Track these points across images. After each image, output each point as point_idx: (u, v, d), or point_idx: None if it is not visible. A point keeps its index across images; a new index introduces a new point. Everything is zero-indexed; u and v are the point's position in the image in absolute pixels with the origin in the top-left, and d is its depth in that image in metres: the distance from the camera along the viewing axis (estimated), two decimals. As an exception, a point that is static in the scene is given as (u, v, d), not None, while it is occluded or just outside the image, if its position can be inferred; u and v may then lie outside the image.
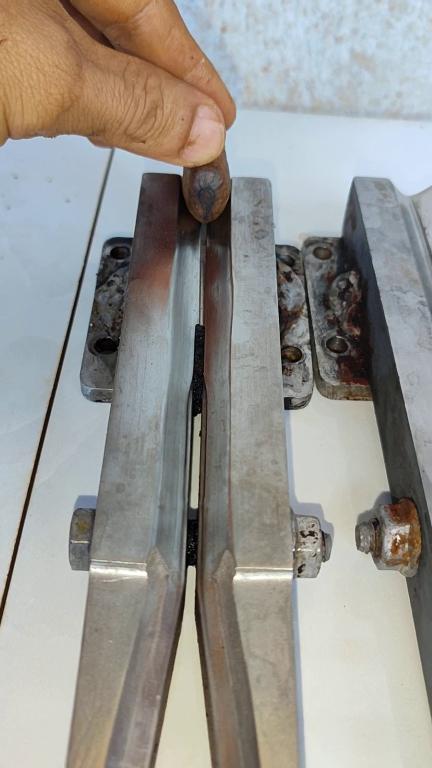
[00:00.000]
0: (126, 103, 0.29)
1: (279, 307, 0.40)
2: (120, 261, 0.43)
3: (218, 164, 0.37)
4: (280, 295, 0.41)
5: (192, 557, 0.30)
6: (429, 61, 0.59)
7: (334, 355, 0.40)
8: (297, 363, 0.39)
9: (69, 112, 0.27)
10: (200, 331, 0.36)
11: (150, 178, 0.42)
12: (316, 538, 0.29)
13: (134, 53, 0.32)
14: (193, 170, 0.38)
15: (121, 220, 0.46)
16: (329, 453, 0.37)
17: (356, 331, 0.40)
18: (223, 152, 0.37)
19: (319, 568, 0.29)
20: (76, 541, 0.28)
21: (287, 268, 0.42)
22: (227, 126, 0.36)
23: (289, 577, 0.26)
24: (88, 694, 0.24)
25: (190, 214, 0.40)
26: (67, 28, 0.27)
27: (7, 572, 0.32)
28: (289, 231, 0.48)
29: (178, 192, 0.40)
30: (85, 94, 0.27)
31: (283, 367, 0.38)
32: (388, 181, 0.43)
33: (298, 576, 0.29)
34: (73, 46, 0.26)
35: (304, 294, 0.42)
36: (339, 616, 0.31)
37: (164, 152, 0.33)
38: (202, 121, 0.33)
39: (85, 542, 0.28)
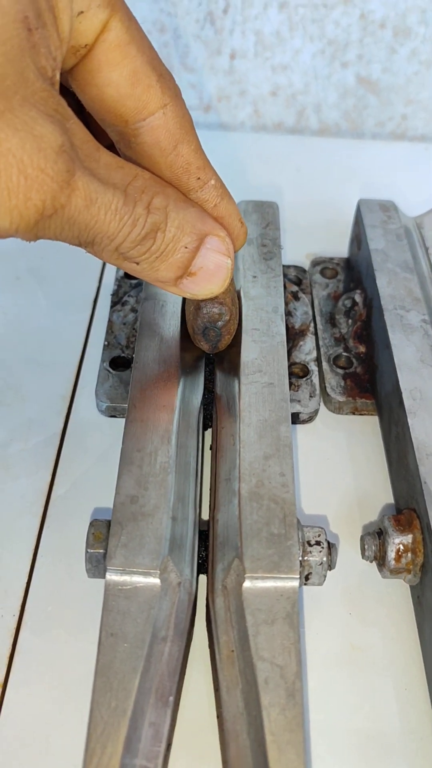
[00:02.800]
0: (122, 219, 0.26)
1: (287, 325, 0.41)
2: (134, 282, 0.45)
3: (223, 299, 0.33)
4: (288, 313, 0.42)
5: (203, 566, 0.31)
6: (433, 85, 0.60)
7: (341, 371, 0.41)
8: (304, 379, 0.40)
9: (51, 220, 0.24)
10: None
11: None
12: (322, 548, 0.30)
13: (134, 163, 0.28)
14: (198, 302, 0.34)
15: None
16: (336, 466, 0.38)
17: (362, 348, 0.41)
18: (232, 282, 0.34)
19: (325, 576, 0.30)
20: (92, 550, 0.29)
21: (295, 288, 0.44)
22: (235, 250, 0.32)
23: (295, 584, 0.28)
24: (104, 695, 0.25)
25: None
26: (67, 129, 0.24)
27: (26, 581, 0.33)
28: (297, 251, 0.49)
29: None
30: (73, 203, 0.24)
31: (291, 383, 0.40)
32: (392, 203, 0.45)
33: (305, 584, 0.30)
34: (68, 150, 0.23)
35: (311, 312, 0.43)
36: (345, 623, 0.32)
37: (159, 278, 0.29)
38: (208, 253, 0.29)
39: (101, 551, 0.29)
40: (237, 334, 0.36)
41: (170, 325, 0.36)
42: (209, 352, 0.36)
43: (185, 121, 0.28)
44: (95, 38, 0.25)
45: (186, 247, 0.28)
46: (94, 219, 0.25)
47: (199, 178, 0.29)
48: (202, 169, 0.29)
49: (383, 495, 0.37)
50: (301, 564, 0.30)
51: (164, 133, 0.28)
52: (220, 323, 0.34)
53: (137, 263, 0.28)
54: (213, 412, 0.35)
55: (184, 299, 0.37)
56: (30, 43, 0.23)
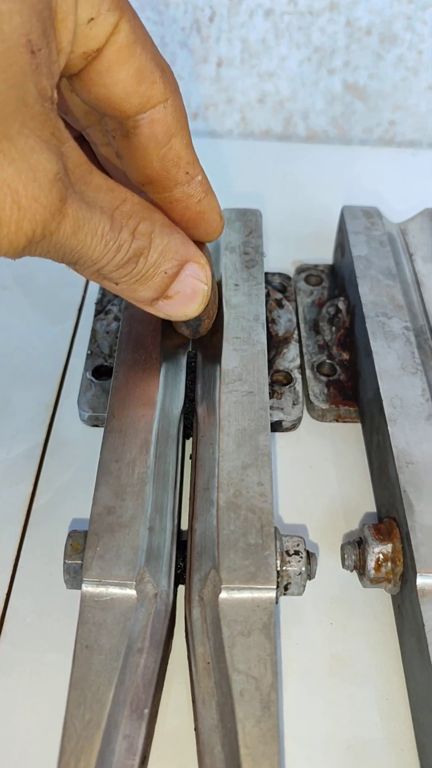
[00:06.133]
0: (107, 245, 0.26)
1: (270, 332, 0.41)
2: (118, 290, 0.45)
3: None
4: (272, 321, 0.42)
5: (182, 576, 0.31)
6: (419, 91, 0.60)
7: (324, 378, 0.41)
8: (288, 387, 0.40)
9: (39, 244, 0.24)
10: (192, 357, 0.37)
11: None
12: (301, 557, 0.30)
13: (125, 153, 0.29)
14: None
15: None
16: (319, 474, 0.38)
17: (345, 356, 0.41)
18: (211, 267, 0.33)
19: (304, 586, 0.30)
20: (69, 561, 0.29)
21: (279, 295, 0.44)
22: (210, 240, 0.33)
23: (272, 594, 0.28)
24: (78, 707, 0.25)
25: None
26: (62, 154, 0.24)
27: (6, 591, 0.33)
28: (282, 258, 0.49)
29: None
30: (62, 230, 0.24)
31: (274, 391, 0.40)
32: (376, 209, 0.45)
33: (284, 594, 0.30)
34: (62, 177, 0.23)
35: (295, 320, 0.43)
36: (326, 633, 0.32)
37: (136, 298, 0.30)
38: (186, 278, 0.30)
39: (78, 562, 0.29)
40: (218, 319, 0.36)
41: (151, 319, 0.36)
42: (191, 338, 0.36)
43: (182, 115, 0.29)
44: (106, 41, 0.26)
45: (166, 272, 0.29)
46: (80, 244, 0.25)
47: (187, 173, 0.30)
48: (191, 164, 0.30)
49: (366, 503, 0.36)
50: (279, 574, 0.29)
51: (161, 127, 0.28)
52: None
53: (116, 283, 0.29)
54: (193, 420, 0.35)
55: None
56: (33, 66, 0.22)
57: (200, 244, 0.32)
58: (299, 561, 0.30)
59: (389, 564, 0.31)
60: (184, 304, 0.31)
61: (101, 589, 0.27)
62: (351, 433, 0.40)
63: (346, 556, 0.32)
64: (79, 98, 0.29)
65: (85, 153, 0.31)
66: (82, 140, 0.32)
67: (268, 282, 0.45)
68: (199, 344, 0.38)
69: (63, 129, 0.24)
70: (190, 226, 0.31)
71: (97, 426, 0.39)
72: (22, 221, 0.23)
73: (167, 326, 0.37)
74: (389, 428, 0.33)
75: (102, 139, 0.32)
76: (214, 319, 0.36)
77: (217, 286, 0.38)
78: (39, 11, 0.22)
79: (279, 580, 0.29)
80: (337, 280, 0.46)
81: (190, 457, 0.35)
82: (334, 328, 0.42)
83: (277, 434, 0.39)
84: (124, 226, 0.27)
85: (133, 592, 0.27)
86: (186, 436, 0.36)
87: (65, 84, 0.29)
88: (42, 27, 0.23)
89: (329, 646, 0.32)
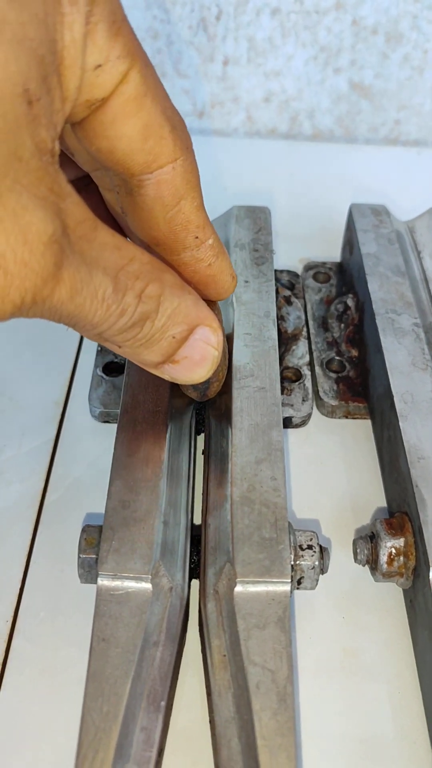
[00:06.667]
0: (108, 309, 0.23)
1: (279, 329, 0.41)
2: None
3: None
4: (281, 318, 0.42)
5: (195, 570, 0.31)
6: (425, 90, 0.60)
7: (333, 375, 0.41)
8: (297, 383, 0.40)
9: (30, 310, 0.22)
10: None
11: None
12: (314, 552, 0.30)
13: (130, 212, 0.27)
14: None
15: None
16: (329, 470, 0.38)
17: (354, 352, 0.41)
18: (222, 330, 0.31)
19: (317, 580, 0.30)
20: (84, 556, 0.29)
21: (287, 292, 0.44)
22: (220, 299, 0.31)
23: (287, 588, 0.28)
24: (96, 700, 0.25)
25: None
26: (61, 212, 0.21)
27: (19, 587, 0.33)
28: (290, 256, 0.49)
29: None
30: (57, 295, 0.21)
31: (284, 388, 0.40)
32: (384, 207, 0.45)
33: (298, 588, 0.30)
34: (58, 239, 0.21)
35: (303, 317, 0.43)
36: (338, 627, 0.32)
37: (140, 361, 0.28)
38: (196, 343, 0.27)
39: (93, 556, 0.29)
40: (227, 381, 0.34)
41: None
42: (198, 400, 0.35)
43: (193, 176, 0.26)
44: (112, 91, 0.23)
45: (174, 337, 0.27)
46: (78, 308, 0.22)
47: (197, 237, 0.28)
48: (202, 228, 0.28)
49: (376, 498, 0.37)
50: (293, 568, 0.30)
51: (169, 189, 0.26)
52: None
53: (119, 346, 0.26)
54: (205, 416, 0.35)
55: None
56: (29, 117, 0.20)
57: (212, 303, 0.31)
58: (312, 555, 0.30)
59: (401, 558, 0.31)
60: (192, 369, 0.28)
61: (117, 583, 0.28)
62: (360, 430, 0.40)
63: (358, 550, 0.32)
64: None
65: (93, 197, 0.29)
66: (90, 181, 0.30)
67: (276, 279, 0.45)
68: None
69: (64, 183, 0.22)
70: (200, 287, 0.30)
71: (108, 422, 0.39)
72: (8, 288, 0.20)
73: (174, 386, 0.35)
74: (400, 424, 0.33)
75: (111, 185, 0.30)
76: (223, 381, 0.34)
77: (227, 342, 0.36)
78: (40, 57, 0.20)
79: (292, 574, 0.30)
80: (345, 277, 0.46)
81: (203, 453, 0.35)
82: (342, 325, 0.42)
83: (287, 431, 0.39)
84: (129, 289, 0.24)
85: (148, 586, 0.28)
86: (197, 432, 0.37)
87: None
88: (42, 74, 0.21)
89: (341, 640, 0.32)
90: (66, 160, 0.29)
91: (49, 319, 0.23)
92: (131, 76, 0.23)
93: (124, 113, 0.24)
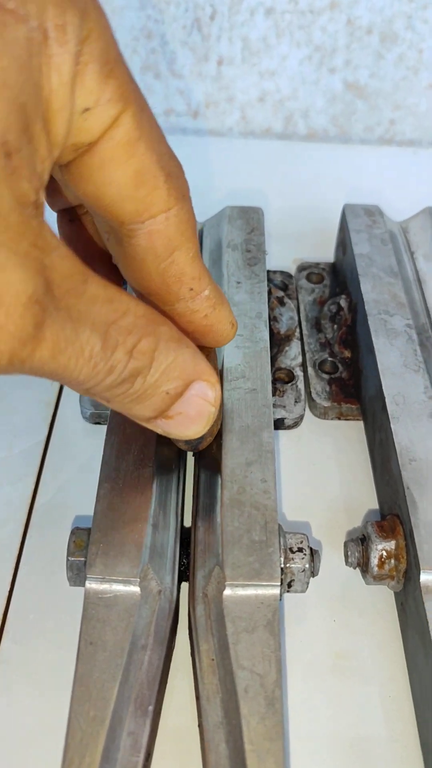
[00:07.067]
0: (95, 367, 0.22)
1: (272, 330, 0.41)
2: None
3: None
4: (274, 319, 0.42)
5: (185, 573, 0.31)
6: (420, 90, 0.60)
7: (326, 376, 0.41)
8: (290, 384, 0.40)
9: (6, 370, 0.20)
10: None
11: None
12: (305, 554, 0.30)
13: (120, 261, 0.26)
14: None
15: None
16: (321, 472, 0.38)
17: (347, 353, 0.41)
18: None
19: (308, 583, 0.30)
20: (73, 558, 0.29)
21: (280, 293, 0.44)
22: (218, 346, 0.30)
23: (276, 591, 0.27)
24: (83, 704, 0.25)
25: None
26: (45, 267, 0.20)
27: (8, 589, 0.33)
28: (284, 257, 0.49)
29: None
30: (37, 356, 0.20)
31: (276, 389, 0.39)
32: (377, 207, 0.45)
33: (288, 591, 0.30)
34: (39, 298, 0.20)
35: (296, 318, 0.43)
36: (329, 630, 0.32)
37: (131, 415, 0.26)
38: (191, 399, 0.26)
39: (82, 559, 0.29)
40: (219, 431, 0.33)
41: None
42: (188, 451, 0.33)
43: (187, 226, 0.25)
44: (101, 136, 0.22)
45: (168, 393, 0.25)
46: (61, 367, 0.21)
47: (191, 289, 0.26)
48: (197, 279, 0.26)
49: (368, 501, 0.36)
50: (283, 571, 0.29)
51: (161, 240, 0.25)
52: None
53: (108, 401, 0.25)
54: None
55: None
56: (7, 171, 0.19)
57: (209, 349, 0.30)
58: (302, 558, 0.30)
59: (392, 561, 0.31)
60: (186, 425, 0.26)
61: (105, 586, 0.27)
62: (353, 431, 0.40)
63: (349, 553, 0.32)
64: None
65: (89, 227, 0.28)
66: (86, 210, 0.29)
67: (269, 280, 0.45)
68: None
69: (49, 236, 0.20)
70: (197, 336, 0.28)
71: (99, 423, 0.39)
72: None
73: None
74: (392, 426, 0.33)
75: (100, 230, 0.29)
76: (216, 435, 0.32)
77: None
78: (20, 105, 0.19)
79: (282, 577, 0.29)
80: (338, 278, 0.46)
81: (193, 455, 0.35)
82: (335, 326, 0.42)
83: (280, 432, 0.39)
84: (119, 345, 0.22)
85: (137, 589, 0.27)
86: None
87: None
88: (23, 123, 0.19)
89: (332, 643, 0.32)
90: (58, 188, 0.28)
91: (31, 375, 0.21)
92: (123, 120, 0.22)
93: (113, 159, 0.23)
